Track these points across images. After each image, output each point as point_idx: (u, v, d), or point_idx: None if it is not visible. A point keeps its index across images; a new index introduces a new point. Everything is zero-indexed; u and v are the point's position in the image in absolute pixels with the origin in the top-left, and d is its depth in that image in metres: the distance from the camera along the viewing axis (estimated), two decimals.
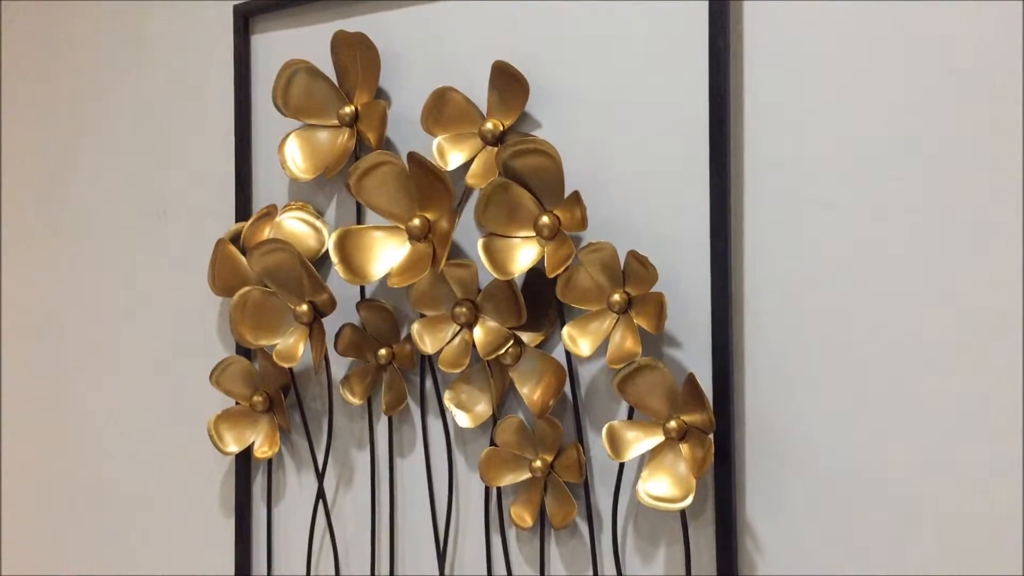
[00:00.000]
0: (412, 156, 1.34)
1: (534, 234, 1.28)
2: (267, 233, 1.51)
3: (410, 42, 1.44)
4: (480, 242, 1.29)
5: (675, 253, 1.23)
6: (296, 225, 1.52)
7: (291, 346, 1.46)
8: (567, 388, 1.30)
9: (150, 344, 1.76)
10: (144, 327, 1.77)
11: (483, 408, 1.36)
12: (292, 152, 1.50)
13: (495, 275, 1.27)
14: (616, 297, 1.22)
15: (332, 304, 1.43)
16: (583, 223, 1.24)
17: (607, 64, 1.28)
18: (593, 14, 1.29)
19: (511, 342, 1.31)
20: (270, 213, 1.53)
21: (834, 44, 1.13)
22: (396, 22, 1.45)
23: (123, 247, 1.80)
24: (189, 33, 1.71)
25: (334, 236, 1.39)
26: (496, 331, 1.32)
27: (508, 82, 1.32)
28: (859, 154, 1.12)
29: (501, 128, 1.34)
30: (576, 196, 1.24)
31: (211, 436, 1.54)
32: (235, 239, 1.55)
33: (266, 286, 1.48)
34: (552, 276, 1.25)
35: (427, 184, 1.35)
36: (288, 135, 1.50)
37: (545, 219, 1.26)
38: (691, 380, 1.15)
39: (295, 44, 1.54)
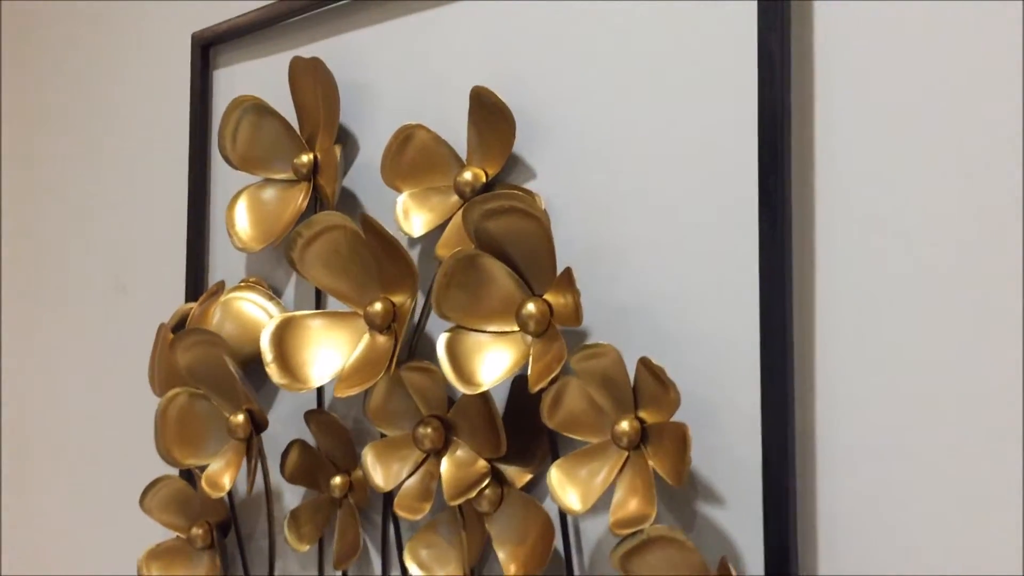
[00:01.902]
0: (364, 220, 0.98)
1: (516, 328, 0.89)
2: (214, 318, 1.18)
3: (388, 67, 1.09)
4: (442, 338, 0.91)
5: (714, 360, 0.82)
6: (247, 308, 1.18)
7: (222, 469, 1.10)
8: (562, 548, 0.89)
9: (95, 449, 1.45)
10: (92, 426, 1.46)
11: (453, 572, 0.97)
12: (240, 215, 1.16)
13: (458, 387, 0.89)
14: (624, 426, 0.82)
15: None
16: (576, 315, 0.84)
17: (624, 89, 0.89)
18: (605, 23, 0.91)
19: (486, 482, 0.92)
20: (217, 292, 1.19)
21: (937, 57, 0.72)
22: (372, 42, 1.11)
23: (76, 324, 1.50)
24: (144, 68, 1.41)
25: (270, 326, 1.04)
26: (467, 464, 0.94)
27: (489, 117, 0.95)
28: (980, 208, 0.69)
29: (484, 179, 0.97)
30: (567, 276, 0.85)
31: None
32: (182, 324, 1.22)
33: (197, 388, 1.13)
34: (536, 391, 0.86)
35: (387, 257, 0.99)
36: (239, 193, 1.17)
37: (531, 307, 0.88)
38: (724, 567, 0.74)
39: (266, 78, 1.21)
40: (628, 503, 0.80)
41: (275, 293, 1.19)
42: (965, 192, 0.71)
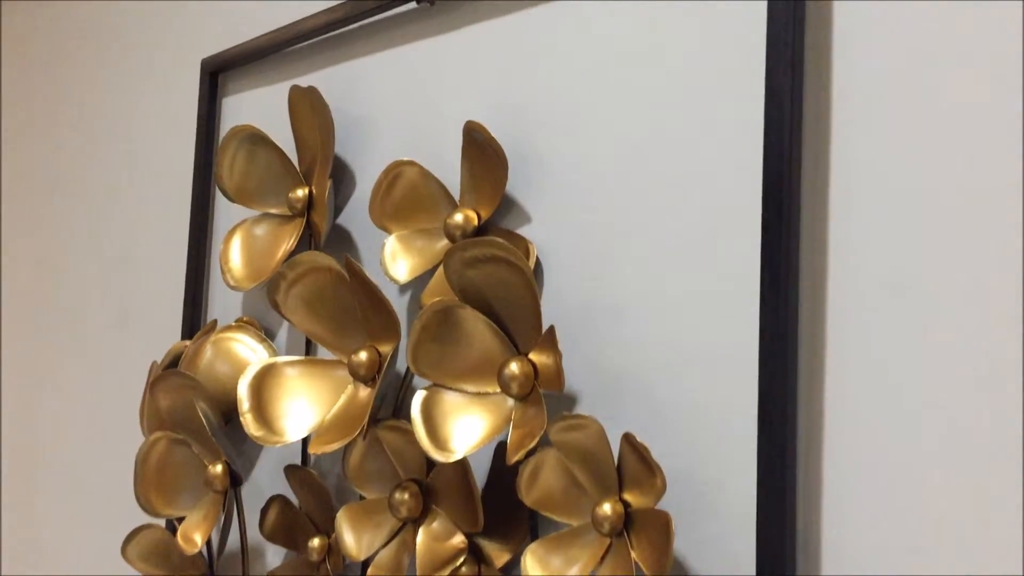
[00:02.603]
0: (348, 264, 0.90)
1: (497, 388, 0.80)
2: (205, 357, 1.11)
3: (389, 97, 1.01)
4: (418, 397, 0.83)
5: (709, 437, 0.72)
6: (238, 348, 1.11)
7: (197, 523, 1.03)
8: None
9: (92, 486, 1.39)
10: (90, 462, 1.40)
11: None
12: (234, 252, 1.09)
13: (430, 453, 0.80)
14: (606, 510, 0.72)
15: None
16: (558, 380, 0.75)
17: (625, 133, 0.80)
18: (609, 60, 0.82)
19: (461, 560, 0.83)
20: (210, 331, 1.12)
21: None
22: (375, 71, 1.03)
23: (79, 356, 1.45)
24: (156, 96, 1.36)
25: (249, 373, 0.97)
26: (444, 538, 0.85)
27: (482, 155, 0.86)
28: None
29: (475, 222, 0.88)
30: (550, 336, 0.76)
31: None
32: (176, 362, 1.15)
33: (177, 433, 1.06)
34: (513, 463, 0.76)
35: (371, 305, 0.91)
36: (235, 228, 1.10)
37: (514, 367, 0.79)
38: None
39: (273, 106, 1.14)
40: None
41: (268, 334, 1.12)
42: (1002, 261, 0.60)
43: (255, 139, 1.08)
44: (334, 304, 0.94)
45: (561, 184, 0.84)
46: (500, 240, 0.79)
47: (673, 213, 0.76)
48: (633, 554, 0.70)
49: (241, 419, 0.95)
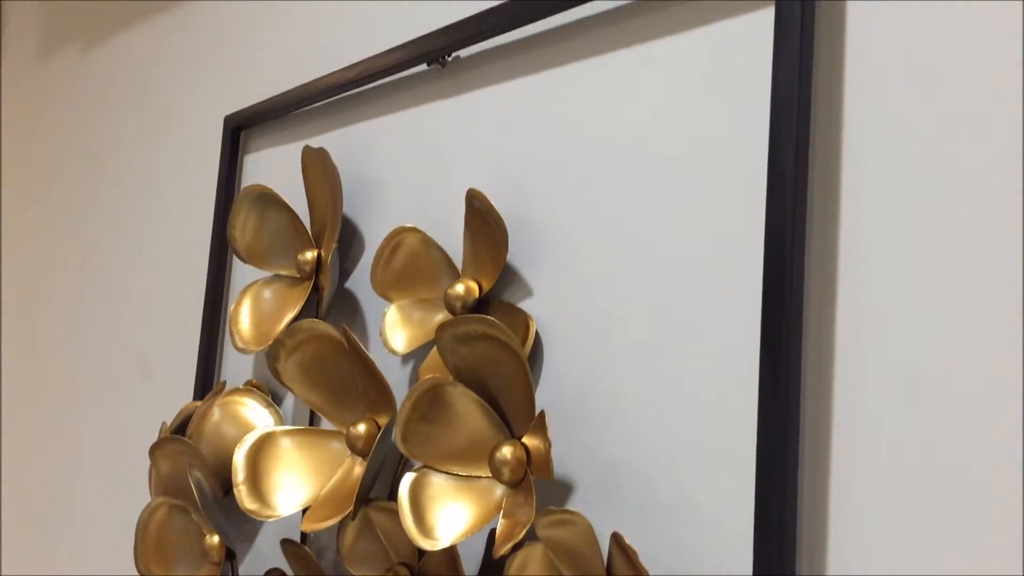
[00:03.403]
0: (344, 334, 0.87)
1: (488, 472, 0.76)
2: (212, 419, 1.08)
3: (399, 159, 0.98)
4: (406, 479, 0.79)
5: (706, 540, 0.66)
6: (245, 413, 1.07)
7: None
8: None
9: (108, 544, 1.37)
10: (105, 526, 1.38)
11: None
12: (244, 313, 1.07)
13: (415, 540, 0.76)
14: None
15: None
16: (546, 467, 0.70)
17: (631, 208, 0.75)
18: (619, 130, 0.78)
19: None
20: (218, 393, 1.10)
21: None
22: (386, 132, 1.01)
23: (97, 412, 1.44)
24: (179, 152, 1.35)
25: (246, 443, 0.94)
26: None
27: (483, 224, 0.82)
28: None
29: (477, 293, 0.84)
30: (540, 422, 0.71)
31: None
32: (186, 424, 1.13)
33: (176, 499, 1.04)
34: (498, 557, 0.71)
35: (368, 377, 0.87)
36: (246, 289, 1.08)
37: (506, 451, 0.74)
38: None
39: (294, 164, 1.12)
40: None
41: (275, 398, 1.09)
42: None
43: (267, 199, 1.05)
44: (334, 373, 0.91)
45: (564, 259, 0.79)
46: (491, 318, 0.75)
47: (674, 297, 0.71)
48: None
49: (235, 491, 0.91)
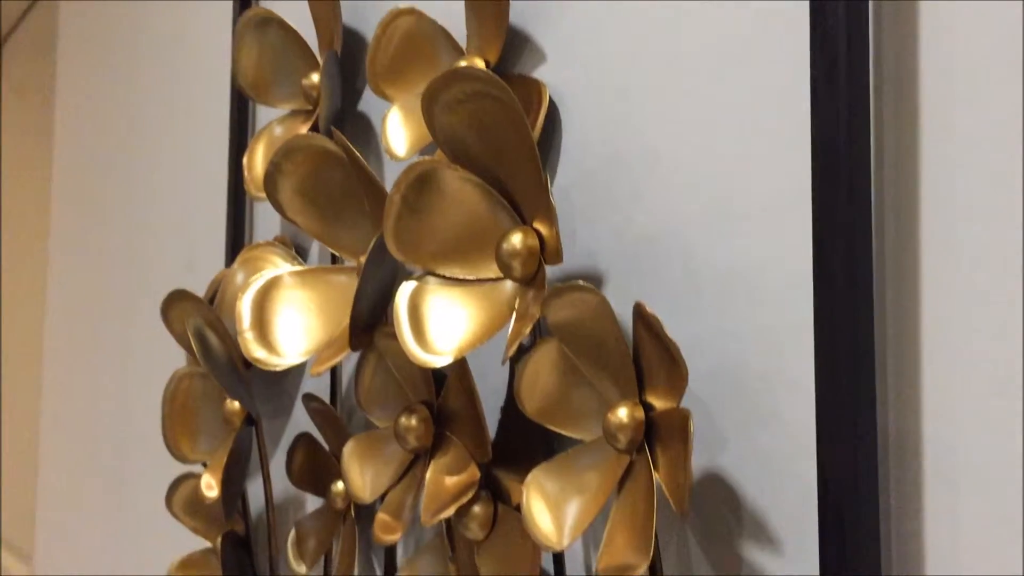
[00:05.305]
0: (338, 140, 0.73)
1: (497, 274, 0.61)
2: (236, 278, 0.97)
3: None
4: (404, 289, 0.65)
5: (769, 312, 0.50)
6: (267, 269, 0.96)
7: (217, 466, 0.89)
8: None
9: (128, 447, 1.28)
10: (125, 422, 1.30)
11: None
12: (259, 157, 0.95)
13: (414, 358, 0.62)
14: (622, 417, 0.51)
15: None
16: (556, 250, 0.55)
17: None
18: None
19: (468, 495, 0.64)
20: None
21: None
22: None
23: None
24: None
25: (251, 289, 0.81)
26: (455, 471, 0.66)
27: None
28: None
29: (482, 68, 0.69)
30: (545, 191, 0.56)
31: None
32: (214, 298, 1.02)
33: (199, 367, 0.93)
34: (505, 362, 0.57)
35: (369, 190, 0.73)
36: (261, 131, 0.96)
37: (515, 240, 0.59)
38: None
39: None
40: (615, 540, 0.50)
41: (300, 251, 0.96)
42: None
43: (267, 23, 0.92)
44: (342, 197, 0.78)
45: (580, 17, 0.63)
46: (485, 71, 0.59)
47: (713, 26, 0.54)
48: (656, 476, 0.49)
49: (240, 340, 0.80)
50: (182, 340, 0.92)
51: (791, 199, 0.49)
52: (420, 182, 0.62)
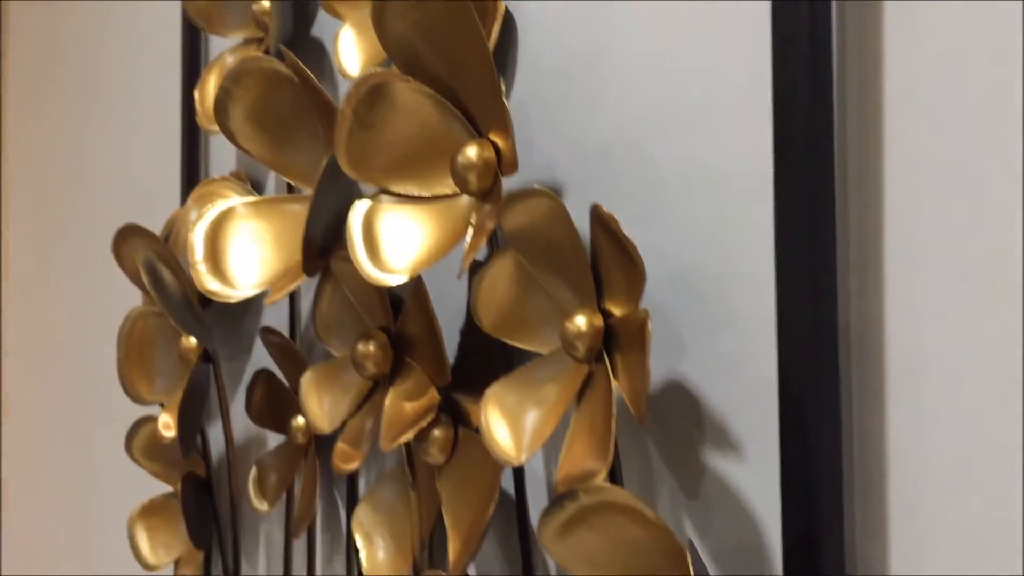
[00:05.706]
0: (288, 60, 0.71)
1: (453, 190, 0.59)
2: (189, 221, 0.94)
3: None
4: (357, 208, 0.63)
5: (728, 212, 0.49)
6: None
7: (174, 404, 0.87)
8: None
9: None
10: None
11: (398, 548, 0.68)
12: (209, 87, 0.92)
13: (369, 276, 0.60)
14: (579, 325, 0.50)
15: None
16: (512, 161, 0.54)
17: None
18: None
19: (427, 419, 0.63)
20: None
21: None
22: None
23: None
24: None
25: (204, 221, 0.79)
26: (414, 396, 0.65)
27: None
28: None
29: None
30: (500, 100, 0.54)
31: (130, 540, 0.99)
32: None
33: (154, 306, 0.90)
34: (464, 275, 0.55)
35: (321, 113, 0.71)
36: (213, 62, 0.93)
37: (471, 152, 0.57)
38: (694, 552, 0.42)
39: None
40: (574, 449, 0.49)
41: (255, 186, 0.94)
42: None
43: None
44: (293, 118, 0.75)
45: None
46: None
47: None
48: (615, 384, 0.48)
49: (192, 273, 0.77)
50: (135, 278, 0.90)
51: (750, 99, 0.47)
52: (372, 95, 0.60)
